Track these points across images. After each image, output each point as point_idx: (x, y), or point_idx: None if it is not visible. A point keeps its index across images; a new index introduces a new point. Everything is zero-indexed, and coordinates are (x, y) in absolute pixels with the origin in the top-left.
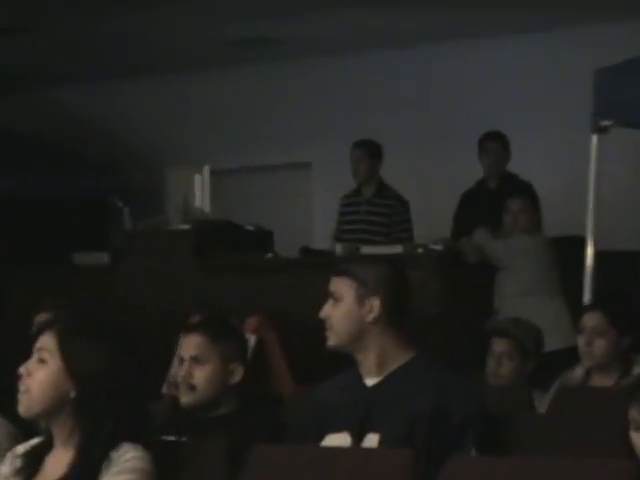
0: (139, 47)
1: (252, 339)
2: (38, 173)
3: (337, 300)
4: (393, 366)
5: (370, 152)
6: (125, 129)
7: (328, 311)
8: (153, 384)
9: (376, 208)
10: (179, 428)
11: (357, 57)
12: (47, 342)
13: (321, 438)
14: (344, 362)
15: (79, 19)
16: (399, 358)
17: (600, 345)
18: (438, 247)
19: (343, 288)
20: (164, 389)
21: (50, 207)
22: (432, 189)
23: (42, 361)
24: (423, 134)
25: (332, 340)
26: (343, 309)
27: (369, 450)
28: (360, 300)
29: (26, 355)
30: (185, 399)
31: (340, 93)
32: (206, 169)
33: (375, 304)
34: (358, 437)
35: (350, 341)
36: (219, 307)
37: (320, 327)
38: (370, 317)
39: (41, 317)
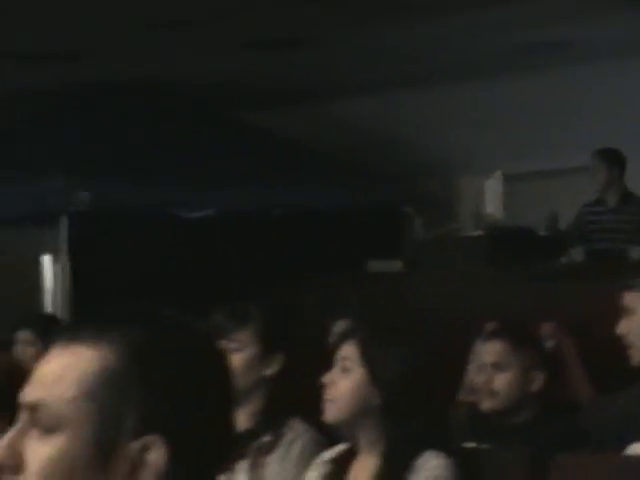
0: (426, 56)
1: (548, 345)
2: (333, 185)
3: (632, 315)
4: None
5: (607, 159)
6: (416, 139)
7: (627, 327)
8: (449, 391)
9: (621, 216)
10: (478, 435)
11: None
12: (349, 351)
13: (622, 447)
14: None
15: (360, 32)
16: None
17: None
18: None
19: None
20: (460, 396)
21: (345, 217)
22: None
23: (346, 370)
24: None
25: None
26: None
27: None
28: None
29: (325, 363)
30: (486, 404)
31: (634, 95)
32: (498, 175)
33: None
34: None
35: None
36: (513, 314)
37: (614, 334)
38: None
39: (339, 326)
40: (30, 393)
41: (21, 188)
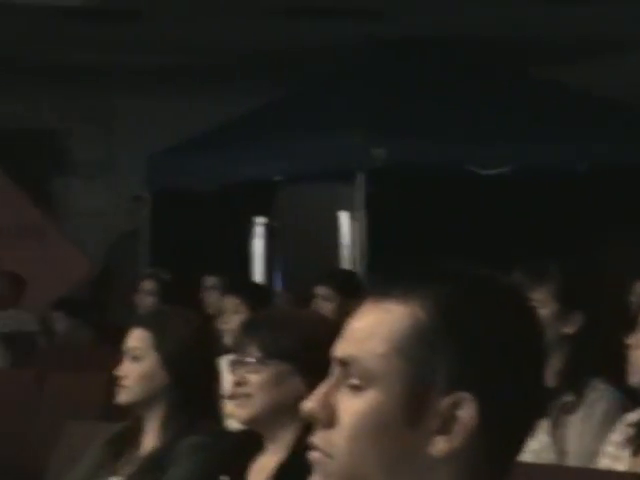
0: None
1: None
2: (637, 139)
3: None
4: None
5: None
6: None
7: None
8: None
9: None
10: None
11: None
12: None
13: None
14: None
15: None
16: None
17: None
18: None
19: None
20: None
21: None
22: None
23: None
24: None
25: None
26: None
27: None
28: None
29: (628, 323)
30: None
31: None
32: None
33: None
34: None
35: None
36: None
37: None
38: None
39: None
40: (342, 348)
41: (322, 143)
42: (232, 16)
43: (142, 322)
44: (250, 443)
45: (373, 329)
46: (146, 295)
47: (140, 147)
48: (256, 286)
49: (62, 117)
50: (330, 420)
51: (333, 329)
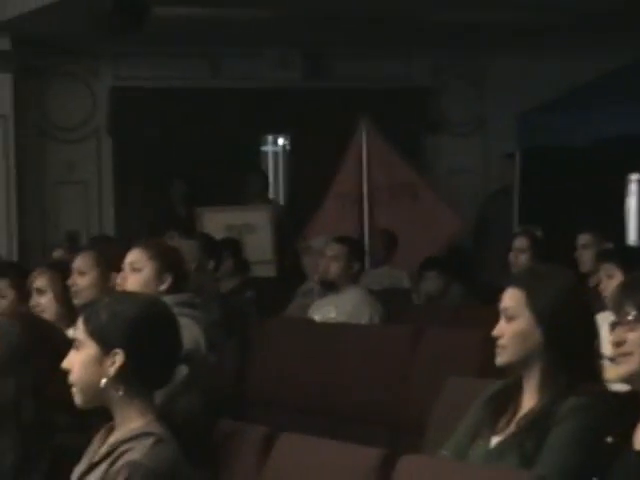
0: None
1: None
2: None
3: None
4: None
5: None
6: None
7: None
8: None
9: None
10: None
11: None
12: None
13: None
14: None
15: None
16: None
17: None
18: None
19: None
20: None
21: None
22: None
23: None
24: None
25: None
26: None
27: None
28: None
29: None
30: None
31: None
32: None
33: None
34: None
35: None
36: None
37: None
38: None
39: None
40: None
41: None
42: None
43: (516, 282)
44: (633, 405)
45: None
46: (519, 252)
47: (511, 105)
48: (631, 249)
49: (435, 76)
50: None
51: None
